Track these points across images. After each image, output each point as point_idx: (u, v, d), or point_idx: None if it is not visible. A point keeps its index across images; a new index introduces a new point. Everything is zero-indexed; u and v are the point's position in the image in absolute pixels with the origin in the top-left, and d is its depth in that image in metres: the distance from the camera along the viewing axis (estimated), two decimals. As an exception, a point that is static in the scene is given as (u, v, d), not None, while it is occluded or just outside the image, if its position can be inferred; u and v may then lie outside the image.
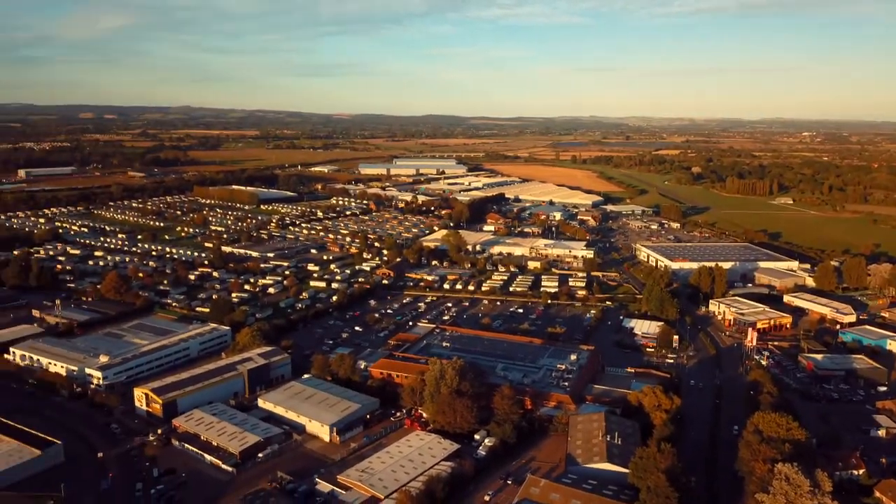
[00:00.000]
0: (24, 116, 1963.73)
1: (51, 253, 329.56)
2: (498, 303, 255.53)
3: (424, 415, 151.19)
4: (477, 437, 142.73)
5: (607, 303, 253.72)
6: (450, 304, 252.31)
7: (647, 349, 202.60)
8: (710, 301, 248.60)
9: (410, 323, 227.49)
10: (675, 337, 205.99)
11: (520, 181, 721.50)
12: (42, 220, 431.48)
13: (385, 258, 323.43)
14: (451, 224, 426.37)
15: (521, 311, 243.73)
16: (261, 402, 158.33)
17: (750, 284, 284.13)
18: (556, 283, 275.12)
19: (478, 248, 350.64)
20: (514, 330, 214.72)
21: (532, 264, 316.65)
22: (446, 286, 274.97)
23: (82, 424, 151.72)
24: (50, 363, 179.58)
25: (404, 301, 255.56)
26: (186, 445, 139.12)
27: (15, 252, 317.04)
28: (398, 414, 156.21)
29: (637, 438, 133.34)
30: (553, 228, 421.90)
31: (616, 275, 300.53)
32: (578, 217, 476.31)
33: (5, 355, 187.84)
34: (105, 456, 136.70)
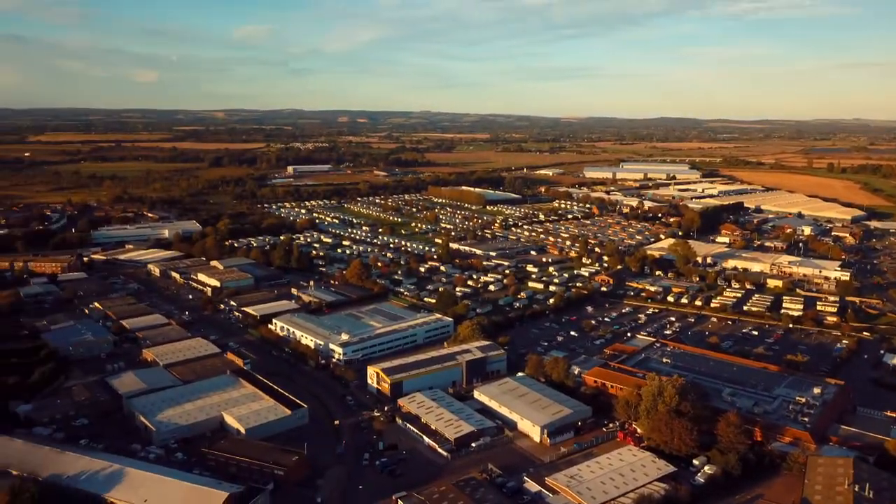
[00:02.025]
0: (294, 120, 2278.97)
1: (308, 240, 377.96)
2: (729, 322, 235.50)
3: (639, 430, 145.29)
4: (695, 462, 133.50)
5: (864, 333, 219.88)
6: (673, 319, 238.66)
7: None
8: None
9: (629, 334, 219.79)
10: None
11: (762, 190, 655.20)
12: (303, 211, 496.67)
13: (605, 264, 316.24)
14: (680, 233, 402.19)
15: (755, 333, 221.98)
16: (476, 394, 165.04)
17: None
18: (801, 306, 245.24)
19: (709, 260, 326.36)
20: (746, 353, 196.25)
21: (772, 283, 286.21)
22: (670, 299, 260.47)
23: (324, 393, 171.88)
24: (302, 336, 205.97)
25: (623, 310, 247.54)
26: (408, 425, 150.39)
27: (281, 237, 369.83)
28: (610, 425, 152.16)
29: (894, 496, 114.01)
30: (800, 244, 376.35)
31: (878, 302, 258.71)
32: (833, 233, 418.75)
33: (269, 325, 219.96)
34: (341, 424, 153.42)
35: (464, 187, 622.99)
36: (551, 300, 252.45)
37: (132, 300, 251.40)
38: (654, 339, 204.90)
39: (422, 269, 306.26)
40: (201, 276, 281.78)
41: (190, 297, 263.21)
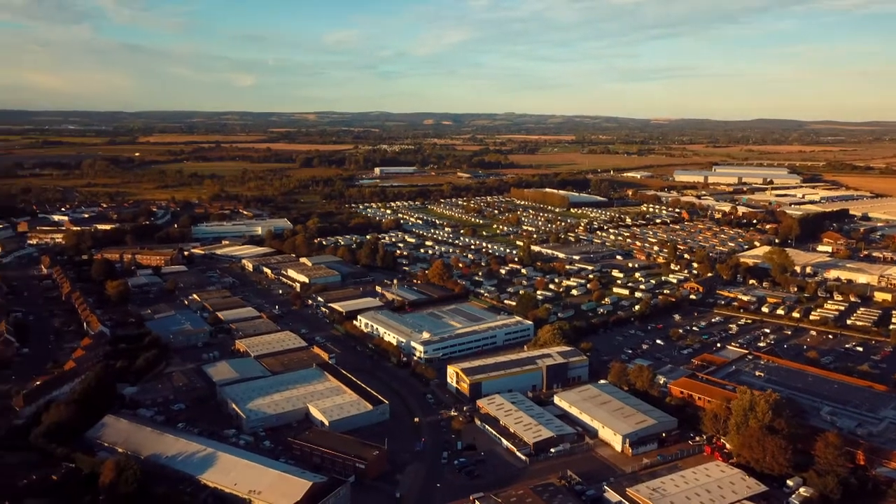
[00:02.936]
0: (381, 122, 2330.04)
1: (393, 240, 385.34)
2: (829, 336, 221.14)
3: (727, 446, 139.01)
4: (790, 483, 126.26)
5: None
6: (767, 330, 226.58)
7: None
8: None
9: (718, 344, 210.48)
10: None
11: (871, 196, 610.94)
12: (388, 211, 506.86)
13: (695, 271, 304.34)
14: (777, 240, 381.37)
15: (859, 349, 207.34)
16: (556, 399, 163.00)
17: None
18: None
19: (808, 269, 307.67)
20: (849, 370, 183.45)
21: (880, 296, 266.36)
22: (765, 309, 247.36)
23: (405, 390, 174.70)
24: (385, 333, 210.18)
25: (713, 320, 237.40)
26: (487, 426, 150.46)
27: (367, 237, 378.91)
28: (697, 438, 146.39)
29: None
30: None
31: None
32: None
33: (354, 321, 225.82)
34: (420, 421, 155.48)
35: (547, 189, 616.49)
36: (637, 307, 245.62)
37: (227, 293, 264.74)
38: (746, 351, 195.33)
39: (502, 271, 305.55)
40: (291, 272, 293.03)
41: (280, 291, 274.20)
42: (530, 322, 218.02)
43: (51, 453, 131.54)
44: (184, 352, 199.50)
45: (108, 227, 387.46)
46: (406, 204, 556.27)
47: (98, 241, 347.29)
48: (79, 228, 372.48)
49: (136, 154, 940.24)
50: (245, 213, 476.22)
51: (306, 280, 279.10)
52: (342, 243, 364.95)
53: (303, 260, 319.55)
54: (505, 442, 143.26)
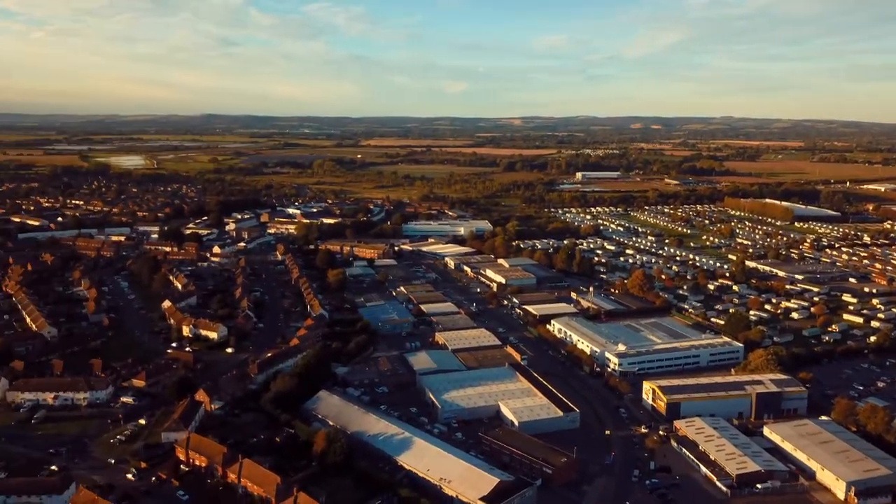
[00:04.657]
0: (586, 127, 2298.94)
1: (591, 246, 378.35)
2: None
3: None
4: None
5: None
6: None
7: None
8: None
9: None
10: None
11: None
12: (588, 217, 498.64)
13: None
14: None
15: None
16: (766, 431, 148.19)
17: None
18: None
19: None
20: None
21: None
22: None
23: (596, 401, 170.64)
24: (578, 340, 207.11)
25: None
26: (684, 450, 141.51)
27: (565, 241, 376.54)
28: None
29: None
30: None
31: None
32: None
33: (547, 325, 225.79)
34: (611, 435, 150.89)
35: (767, 200, 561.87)
36: (873, 338, 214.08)
37: (430, 288, 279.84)
38: None
39: (711, 287, 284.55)
40: (489, 272, 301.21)
41: (478, 290, 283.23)
42: (740, 344, 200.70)
43: (276, 418, 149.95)
44: (389, 339, 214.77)
45: (331, 221, 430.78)
46: (607, 210, 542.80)
47: (323, 233, 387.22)
48: (308, 221, 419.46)
49: (358, 156, 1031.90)
50: (450, 213, 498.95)
51: (503, 281, 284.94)
52: (539, 247, 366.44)
53: (500, 261, 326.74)
54: (703, 469, 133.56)
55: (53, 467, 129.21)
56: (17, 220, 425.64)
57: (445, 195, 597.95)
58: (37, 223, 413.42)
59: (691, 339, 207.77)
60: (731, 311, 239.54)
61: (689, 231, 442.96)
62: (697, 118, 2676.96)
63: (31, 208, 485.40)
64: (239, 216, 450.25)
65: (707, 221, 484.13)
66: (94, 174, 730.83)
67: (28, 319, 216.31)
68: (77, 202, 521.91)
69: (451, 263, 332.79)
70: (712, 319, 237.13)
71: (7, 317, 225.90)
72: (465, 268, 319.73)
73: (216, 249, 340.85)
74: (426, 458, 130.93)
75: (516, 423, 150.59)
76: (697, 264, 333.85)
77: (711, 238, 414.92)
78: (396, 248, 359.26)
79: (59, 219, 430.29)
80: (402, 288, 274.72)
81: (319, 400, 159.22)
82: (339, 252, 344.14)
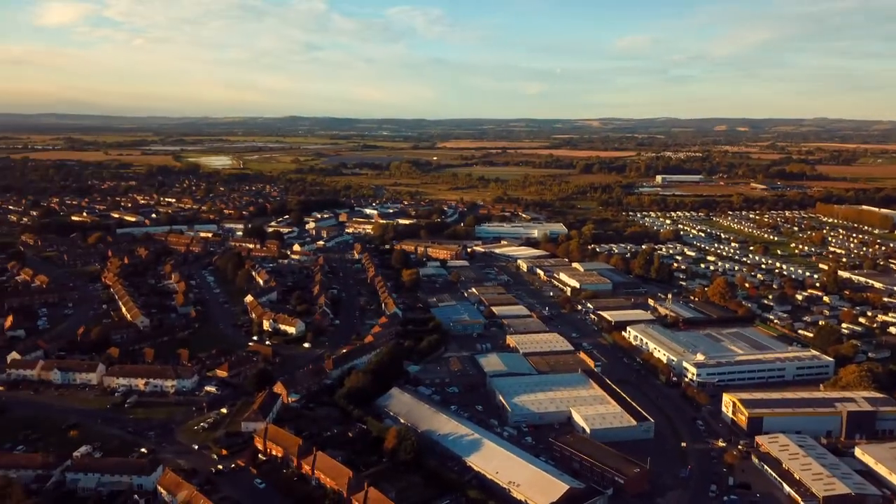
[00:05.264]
0: (667, 129, 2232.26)
1: (670, 251, 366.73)
2: None
3: None
4: None
5: None
6: None
7: None
8: None
9: None
10: None
11: None
12: (668, 221, 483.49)
13: None
14: None
15: None
16: (858, 452, 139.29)
17: None
18: None
19: None
20: None
21: None
22: None
23: (672, 411, 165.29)
24: (655, 349, 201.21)
25: None
26: (766, 467, 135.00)
27: (643, 246, 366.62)
28: None
29: None
30: None
31: None
32: None
33: (622, 332, 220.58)
34: (687, 447, 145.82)
35: (864, 207, 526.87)
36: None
37: (502, 290, 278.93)
38: None
39: (799, 297, 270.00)
40: (562, 276, 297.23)
41: (551, 294, 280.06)
42: (830, 359, 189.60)
43: (349, 413, 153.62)
44: (460, 339, 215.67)
45: (407, 221, 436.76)
46: (688, 214, 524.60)
47: (398, 233, 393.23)
48: (384, 222, 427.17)
49: (434, 158, 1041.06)
50: (524, 215, 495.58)
51: (577, 285, 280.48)
52: (616, 251, 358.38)
53: (575, 265, 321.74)
54: (787, 488, 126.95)
55: (143, 450, 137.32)
56: (116, 216, 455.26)
57: (519, 197, 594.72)
58: (133, 219, 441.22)
59: (776, 351, 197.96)
60: (821, 323, 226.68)
61: (775, 238, 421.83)
62: (788, 120, 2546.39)
63: (129, 205, 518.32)
64: (318, 215, 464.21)
65: (796, 228, 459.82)
66: (185, 173, 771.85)
67: (124, 310, 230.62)
68: (169, 200, 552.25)
69: (523, 266, 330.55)
70: (800, 331, 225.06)
71: (105, 306, 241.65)
72: (539, 271, 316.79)
73: (296, 247, 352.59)
74: (495, 461, 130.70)
75: (588, 430, 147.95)
76: (784, 273, 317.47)
77: (801, 246, 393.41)
78: (469, 250, 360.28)
79: (153, 215, 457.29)
80: (473, 289, 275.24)
81: (391, 397, 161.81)
82: (413, 252, 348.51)
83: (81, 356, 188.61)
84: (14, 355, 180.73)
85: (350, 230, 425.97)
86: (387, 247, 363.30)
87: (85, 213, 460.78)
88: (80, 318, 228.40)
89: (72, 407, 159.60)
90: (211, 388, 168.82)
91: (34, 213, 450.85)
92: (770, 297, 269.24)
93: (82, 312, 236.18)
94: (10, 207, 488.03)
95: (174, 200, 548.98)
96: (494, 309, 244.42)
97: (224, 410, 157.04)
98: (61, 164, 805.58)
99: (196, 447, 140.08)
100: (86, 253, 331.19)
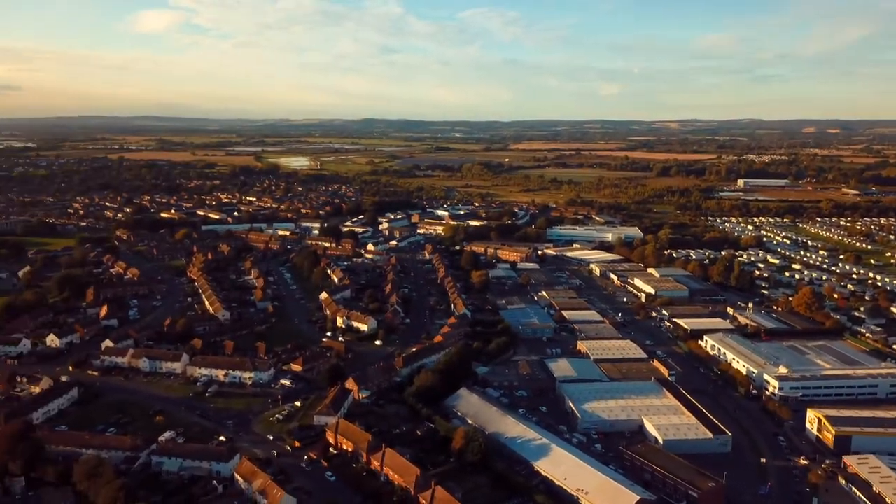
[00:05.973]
0: (751, 131, 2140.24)
1: (752, 258, 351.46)
2: None
3: None
4: None
5: None
6: None
7: None
8: None
9: None
10: None
11: None
12: (750, 227, 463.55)
13: None
14: None
15: None
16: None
17: None
18: None
19: None
20: None
21: None
22: None
23: (751, 425, 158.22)
24: (734, 359, 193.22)
25: None
26: (854, 489, 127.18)
27: (722, 252, 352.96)
28: None
29: None
30: None
31: None
32: None
33: (699, 341, 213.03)
34: (767, 464, 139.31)
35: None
36: None
37: (573, 294, 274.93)
38: None
39: (894, 310, 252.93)
40: (637, 282, 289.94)
41: (624, 299, 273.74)
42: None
43: (417, 411, 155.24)
44: (529, 343, 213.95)
45: (477, 223, 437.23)
46: (772, 220, 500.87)
47: (469, 235, 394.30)
48: (455, 223, 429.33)
49: (506, 160, 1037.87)
50: (597, 218, 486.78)
51: (652, 291, 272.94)
52: (694, 257, 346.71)
53: (650, 270, 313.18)
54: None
55: (222, 438, 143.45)
56: (202, 213, 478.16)
57: (593, 200, 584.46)
58: (217, 217, 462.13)
59: (868, 366, 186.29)
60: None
61: (869, 247, 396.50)
62: (885, 121, 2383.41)
63: (213, 203, 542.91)
64: (392, 216, 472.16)
65: (893, 237, 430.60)
66: (265, 174, 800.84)
67: (206, 303, 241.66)
68: (250, 199, 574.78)
69: (596, 270, 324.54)
70: (895, 346, 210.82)
71: (190, 299, 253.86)
72: (612, 275, 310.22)
73: (370, 247, 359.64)
74: (563, 467, 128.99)
75: (661, 440, 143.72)
76: (879, 284, 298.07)
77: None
78: (540, 252, 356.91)
79: (235, 213, 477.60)
80: (543, 293, 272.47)
81: (460, 398, 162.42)
82: (483, 254, 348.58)
83: (167, 346, 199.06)
84: (108, 343, 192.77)
85: (421, 231, 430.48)
86: (457, 248, 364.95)
87: (173, 211, 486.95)
88: (167, 310, 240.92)
89: (158, 394, 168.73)
90: (286, 382, 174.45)
91: (128, 210, 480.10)
92: (862, 309, 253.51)
93: (169, 305, 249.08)
94: (107, 204, 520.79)
95: (255, 199, 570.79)
96: (565, 313, 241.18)
97: (298, 403, 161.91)
98: (153, 164, 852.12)
99: (271, 438, 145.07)
100: (173, 248, 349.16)
